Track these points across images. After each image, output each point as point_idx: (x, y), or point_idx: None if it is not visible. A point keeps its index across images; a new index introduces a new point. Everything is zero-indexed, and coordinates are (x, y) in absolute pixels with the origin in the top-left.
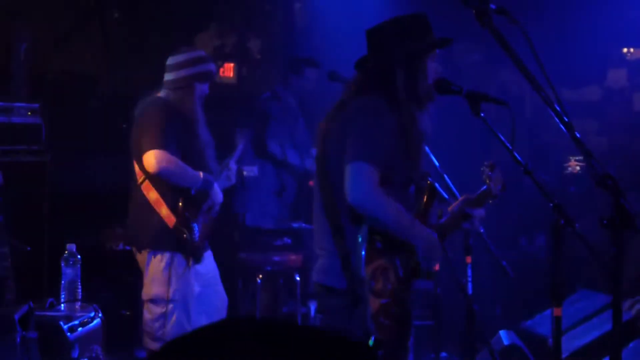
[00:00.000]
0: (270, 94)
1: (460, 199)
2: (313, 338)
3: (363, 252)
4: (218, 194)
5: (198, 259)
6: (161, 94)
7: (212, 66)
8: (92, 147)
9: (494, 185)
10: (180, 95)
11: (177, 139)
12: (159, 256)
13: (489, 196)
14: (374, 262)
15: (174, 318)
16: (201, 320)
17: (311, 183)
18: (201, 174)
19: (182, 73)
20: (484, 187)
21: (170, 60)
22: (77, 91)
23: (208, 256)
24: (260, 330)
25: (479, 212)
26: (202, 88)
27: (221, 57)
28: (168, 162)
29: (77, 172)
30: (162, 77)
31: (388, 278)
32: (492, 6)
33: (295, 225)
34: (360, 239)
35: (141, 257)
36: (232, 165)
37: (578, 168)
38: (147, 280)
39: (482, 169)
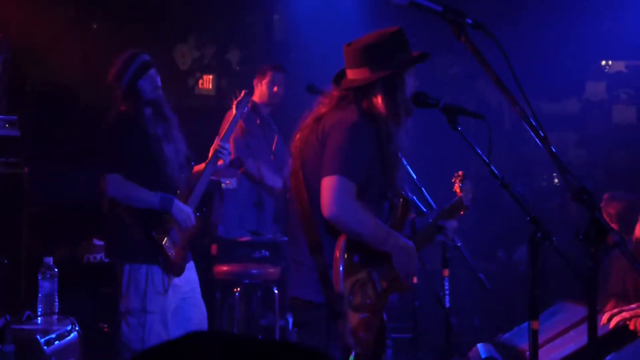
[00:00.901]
0: (250, 106)
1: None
2: (278, 354)
3: (341, 267)
4: (181, 211)
5: (178, 274)
6: (121, 107)
7: (144, 57)
8: (70, 159)
9: (465, 196)
10: (131, 106)
11: (132, 156)
12: (136, 268)
13: (460, 207)
14: (352, 277)
15: (151, 330)
16: (178, 334)
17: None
18: (159, 196)
19: (124, 82)
20: (456, 198)
21: (109, 78)
22: (55, 103)
23: (189, 267)
24: (225, 346)
25: (452, 224)
26: (150, 81)
27: (200, 69)
28: (122, 187)
29: (55, 184)
30: None
31: (367, 292)
32: (469, 20)
33: (273, 237)
34: (339, 253)
35: (119, 268)
36: (224, 144)
37: (557, 180)
38: (124, 292)
39: (452, 180)
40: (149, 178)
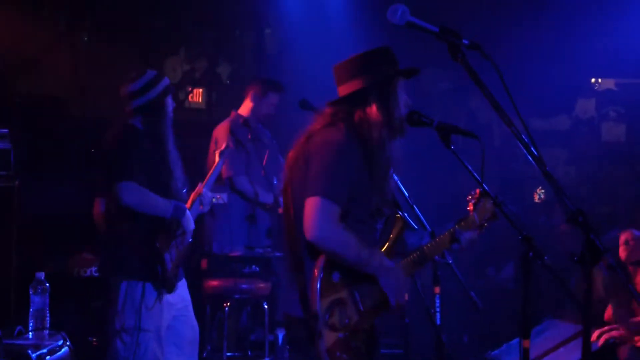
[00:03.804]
0: (242, 120)
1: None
2: None
3: (318, 285)
4: (190, 222)
5: (170, 289)
6: (131, 121)
7: (167, 79)
8: (61, 172)
9: (478, 216)
10: (153, 118)
11: (145, 167)
12: (132, 285)
13: (473, 225)
14: (330, 296)
15: (147, 347)
16: (171, 351)
17: (280, 211)
18: (172, 203)
19: (152, 94)
20: (467, 215)
21: (132, 87)
22: (46, 115)
23: (181, 285)
24: None
25: (468, 235)
26: (170, 101)
27: (191, 82)
28: (136, 194)
29: (45, 197)
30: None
31: (346, 312)
32: (465, 41)
33: (263, 252)
34: (316, 271)
35: (114, 285)
36: (205, 192)
37: (537, 197)
38: (120, 309)
39: (467, 198)
40: (159, 190)
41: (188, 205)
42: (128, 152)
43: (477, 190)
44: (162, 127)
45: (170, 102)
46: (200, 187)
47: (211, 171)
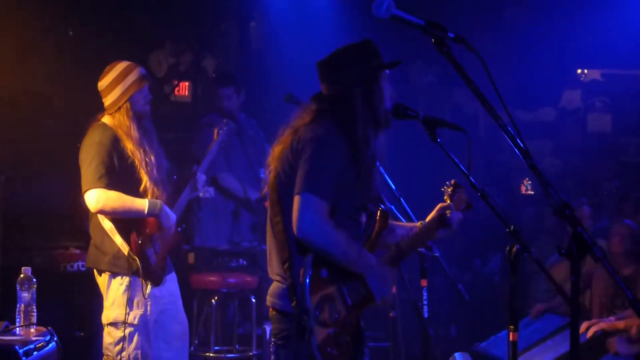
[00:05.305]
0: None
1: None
2: None
3: (307, 281)
4: (168, 217)
5: (157, 283)
6: (105, 119)
7: (142, 70)
8: (46, 167)
9: (455, 205)
10: (118, 118)
11: (117, 167)
12: (118, 279)
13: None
14: (319, 292)
15: (134, 341)
16: (159, 345)
17: (267, 204)
18: (146, 201)
19: (116, 93)
20: (446, 204)
21: (100, 86)
22: (31, 110)
23: (170, 279)
24: None
25: (457, 216)
26: (143, 95)
27: (176, 76)
28: (107, 200)
29: (31, 192)
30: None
31: (335, 307)
32: (451, 35)
33: (250, 246)
34: (305, 268)
35: (101, 280)
36: (199, 176)
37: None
38: (107, 303)
39: (443, 188)
40: (131, 191)
41: (185, 183)
42: (98, 156)
43: (452, 181)
44: (128, 122)
45: (143, 95)
46: (195, 170)
47: (209, 150)
